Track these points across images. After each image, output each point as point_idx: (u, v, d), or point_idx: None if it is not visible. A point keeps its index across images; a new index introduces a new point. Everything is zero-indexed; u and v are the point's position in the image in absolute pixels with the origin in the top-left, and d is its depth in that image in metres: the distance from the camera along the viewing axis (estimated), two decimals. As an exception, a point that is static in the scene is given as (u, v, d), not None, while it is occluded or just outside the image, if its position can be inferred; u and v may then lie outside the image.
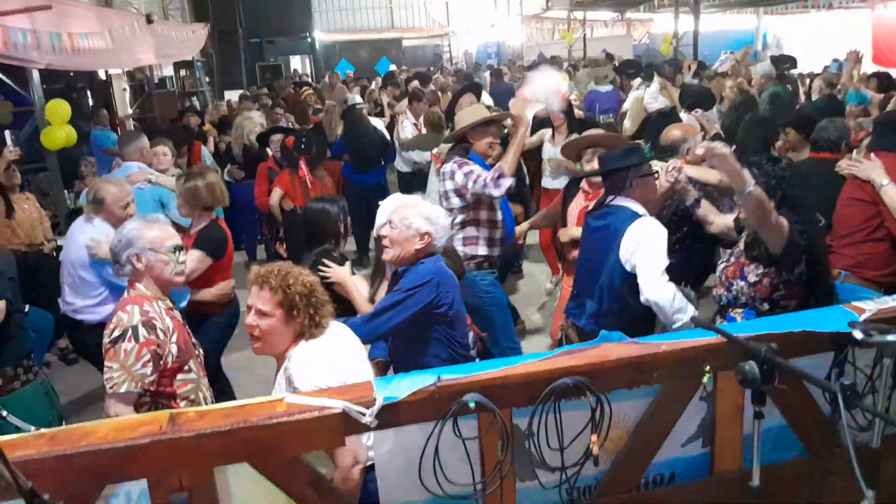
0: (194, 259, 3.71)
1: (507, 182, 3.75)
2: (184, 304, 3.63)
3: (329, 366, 2.36)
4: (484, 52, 24.36)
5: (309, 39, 24.77)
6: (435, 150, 5.60)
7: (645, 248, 2.93)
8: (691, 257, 3.55)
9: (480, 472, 2.13)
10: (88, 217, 3.96)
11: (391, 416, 1.99)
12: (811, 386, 2.31)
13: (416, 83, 9.95)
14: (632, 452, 2.26)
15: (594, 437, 2.13)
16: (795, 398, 2.30)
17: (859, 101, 6.89)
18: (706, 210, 3.28)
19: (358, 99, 7.96)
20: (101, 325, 2.84)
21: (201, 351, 2.86)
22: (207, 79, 16.22)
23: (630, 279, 2.96)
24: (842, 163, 3.71)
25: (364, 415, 1.94)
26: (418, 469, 2.05)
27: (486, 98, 8.37)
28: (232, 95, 13.47)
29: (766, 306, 2.79)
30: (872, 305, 2.34)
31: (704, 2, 14.59)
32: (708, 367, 2.17)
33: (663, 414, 2.25)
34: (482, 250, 3.99)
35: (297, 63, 24.82)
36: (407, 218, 2.86)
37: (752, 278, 2.80)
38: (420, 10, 26.59)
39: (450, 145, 4.40)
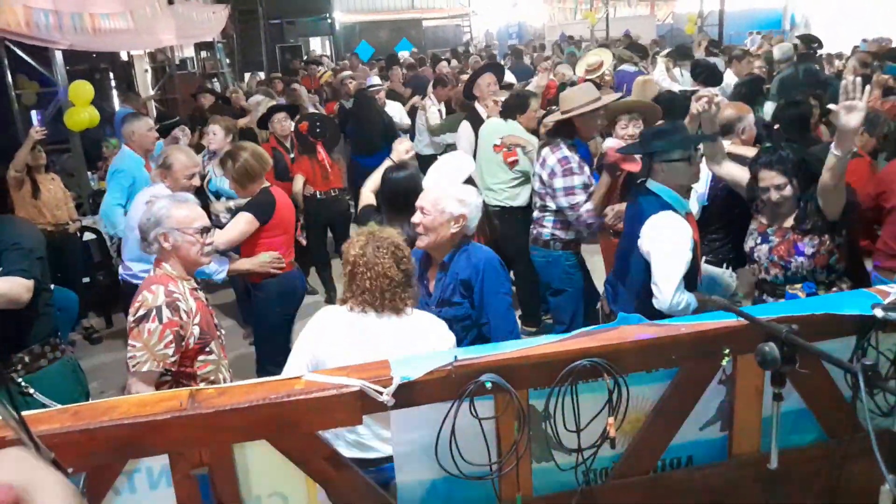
0: (242, 221, 3.76)
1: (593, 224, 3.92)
2: (220, 275, 3.67)
3: (304, 335, 2.52)
4: (505, 33, 24.12)
5: (329, 20, 24.70)
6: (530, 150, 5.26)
7: (658, 249, 2.85)
8: (736, 239, 3.52)
9: (497, 452, 2.13)
10: (153, 181, 4.08)
11: (408, 395, 2.00)
12: (832, 370, 2.28)
13: (443, 65, 9.93)
14: (649, 435, 2.25)
15: (611, 420, 2.13)
16: (816, 381, 2.27)
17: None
18: (720, 149, 3.26)
19: (376, 80, 7.91)
20: None
21: (223, 332, 2.89)
22: (228, 60, 16.26)
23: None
24: None
25: (381, 393, 1.95)
26: (434, 448, 2.06)
27: (510, 76, 8.29)
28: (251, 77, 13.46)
29: (824, 274, 2.88)
30: (897, 289, 2.30)
31: (731, -20, 14.28)
32: (727, 350, 2.15)
33: (682, 397, 2.24)
34: (572, 234, 4.03)
35: (316, 44, 24.78)
36: (439, 202, 2.78)
37: (808, 251, 2.85)
38: (441, -12, 26.38)
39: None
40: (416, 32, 23.96)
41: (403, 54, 14.53)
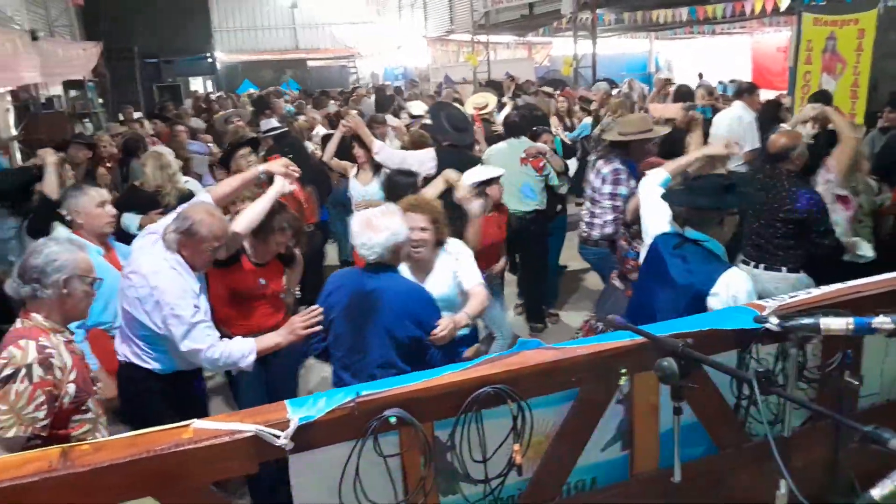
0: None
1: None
2: (248, 360, 2.86)
3: None
4: (391, 74, 24.47)
5: (210, 59, 24.13)
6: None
7: None
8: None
9: (403, 489, 2.06)
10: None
11: (308, 437, 1.90)
12: (719, 383, 2.39)
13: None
14: (553, 459, 2.25)
15: (517, 446, 2.11)
16: (705, 394, 2.36)
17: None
18: None
19: (274, 122, 7.42)
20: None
21: (100, 385, 2.65)
22: (101, 100, 15.46)
23: None
24: None
25: (278, 437, 1.84)
26: (338, 491, 1.97)
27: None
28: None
29: None
30: (772, 303, 2.46)
31: (600, 26, 15.23)
32: (625, 370, 2.20)
33: (583, 418, 2.26)
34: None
35: (197, 84, 24.10)
36: None
37: None
38: (325, 30, 26.46)
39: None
40: (301, 72, 23.83)
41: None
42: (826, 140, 4.25)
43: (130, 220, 4.67)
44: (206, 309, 2.90)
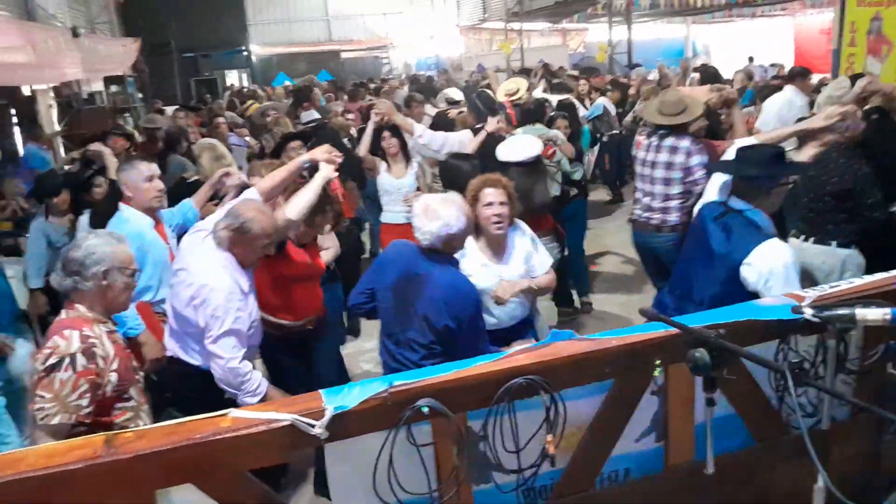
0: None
1: None
2: (256, 397, 2.90)
3: None
4: (423, 64, 24.44)
5: (245, 53, 24.42)
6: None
7: (780, 285, 2.60)
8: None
9: (436, 478, 2.08)
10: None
11: (342, 426, 1.92)
12: (757, 374, 2.35)
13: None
14: (587, 450, 2.25)
15: (550, 437, 2.11)
16: (742, 386, 2.32)
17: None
18: None
19: (315, 115, 7.48)
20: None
21: (142, 375, 2.72)
22: (140, 95, 15.78)
23: None
24: None
25: (313, 426, 1.87)
26: (373, 479, 1.99)
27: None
28: (168, 110, 13.00)
29: None
30: (812, 293, 2.40)
31: (636, 11, 14.99)
32: (659, 361, 2.18)
33: (617, 409, 2.25)
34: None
35: (233, 77, 24.40)
36: None
37: None
38: (357, 22, 26.50)
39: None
40: (334, 64, 23.95)
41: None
42: (882, 114, 4.16)
43: None
44: (252, 311, 2.92)
